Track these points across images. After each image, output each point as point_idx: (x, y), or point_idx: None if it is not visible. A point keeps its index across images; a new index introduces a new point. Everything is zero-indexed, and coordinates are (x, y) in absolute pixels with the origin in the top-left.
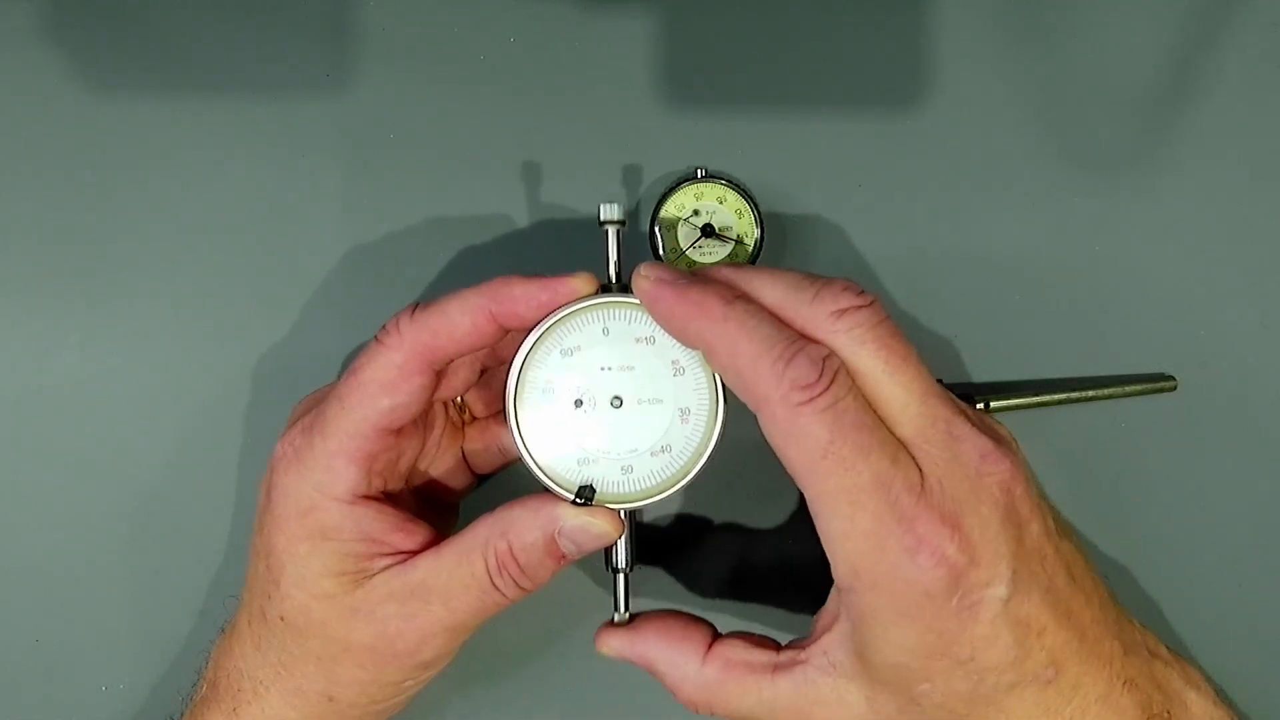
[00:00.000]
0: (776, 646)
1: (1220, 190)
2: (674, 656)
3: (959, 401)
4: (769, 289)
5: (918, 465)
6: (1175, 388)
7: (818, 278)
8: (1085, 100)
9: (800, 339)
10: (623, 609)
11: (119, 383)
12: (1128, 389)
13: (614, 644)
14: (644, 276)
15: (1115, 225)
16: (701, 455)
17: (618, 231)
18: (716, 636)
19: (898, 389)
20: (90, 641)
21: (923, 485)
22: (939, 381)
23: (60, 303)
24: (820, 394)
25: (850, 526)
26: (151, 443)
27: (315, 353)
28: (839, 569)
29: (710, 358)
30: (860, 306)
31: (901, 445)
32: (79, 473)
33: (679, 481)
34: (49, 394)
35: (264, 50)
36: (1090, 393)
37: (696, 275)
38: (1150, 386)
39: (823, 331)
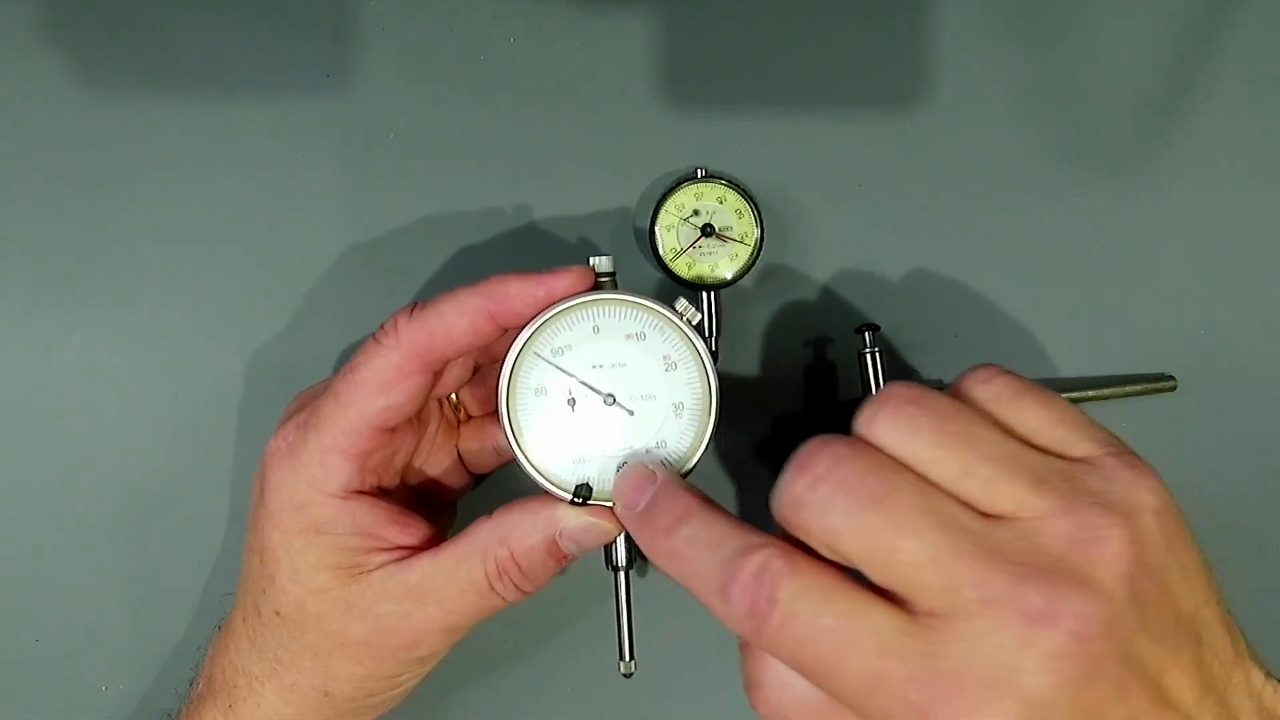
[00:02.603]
0: None
1: (1220, 190)
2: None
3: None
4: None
5: (940, 636)
6: (1175, 388)
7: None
8: (1085, 100)
9: (733, 560)
10: (628, 659)
11: (118, 381)
12: (1128, 389)
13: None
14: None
15: (1115, 225)
16: (697, 449)
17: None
18: None
19: (904, 565)
20: (89, 641)
21: (937, 666)
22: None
23: (60, 302)
24: (764, 622)
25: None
26: (150, 442)
27: (314, 352)
28: None
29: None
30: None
31: (889, 613)
32: (77, 472)
33: None
34: (48, 393)
35: (264, 50)
36: (1090, 393)
37: (658, 490)
38: (1150, 386)
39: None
